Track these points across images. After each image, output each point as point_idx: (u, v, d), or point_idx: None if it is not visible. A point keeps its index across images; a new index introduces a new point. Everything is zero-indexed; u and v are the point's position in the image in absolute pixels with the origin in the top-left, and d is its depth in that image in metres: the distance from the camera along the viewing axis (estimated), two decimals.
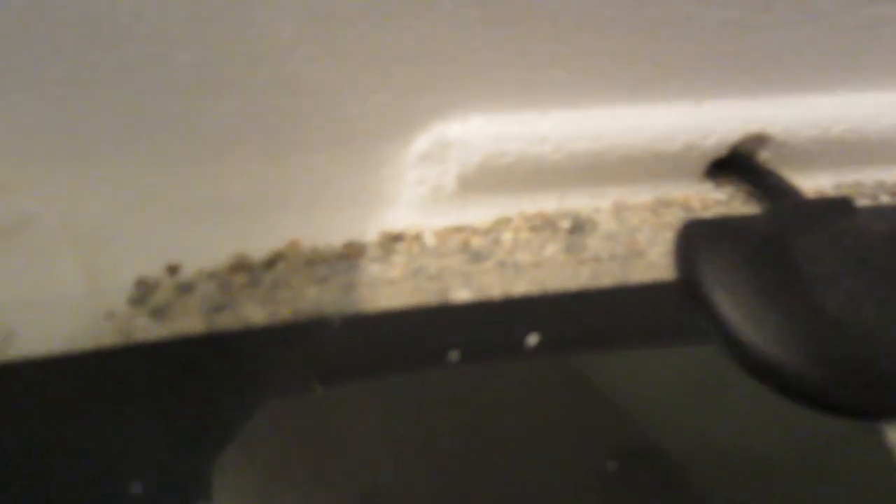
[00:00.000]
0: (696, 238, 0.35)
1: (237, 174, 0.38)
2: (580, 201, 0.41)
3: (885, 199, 0.42)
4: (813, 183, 0.42)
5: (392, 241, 0.39)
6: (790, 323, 0.31)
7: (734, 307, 0.32)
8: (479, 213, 0.40)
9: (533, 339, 0.32)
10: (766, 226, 0.35)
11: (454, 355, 0.31)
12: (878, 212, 0.36)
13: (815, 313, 0.31)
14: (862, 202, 0.41)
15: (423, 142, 0.38)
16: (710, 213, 0.41)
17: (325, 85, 0.35)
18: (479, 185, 0.39)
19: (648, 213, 0.41)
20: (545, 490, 0.28)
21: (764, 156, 0.40)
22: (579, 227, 0.40)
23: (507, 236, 0.39)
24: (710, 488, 0.29)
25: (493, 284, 0.37)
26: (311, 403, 0.29)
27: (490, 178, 0.38)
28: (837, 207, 0.36)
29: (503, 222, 0.40)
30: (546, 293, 0.34)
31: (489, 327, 0.33)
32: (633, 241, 0.39)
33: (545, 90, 0.37)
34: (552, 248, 0.39)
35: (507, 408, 0.30)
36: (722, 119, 0.38)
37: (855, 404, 0.30)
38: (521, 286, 0.37)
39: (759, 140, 0.39)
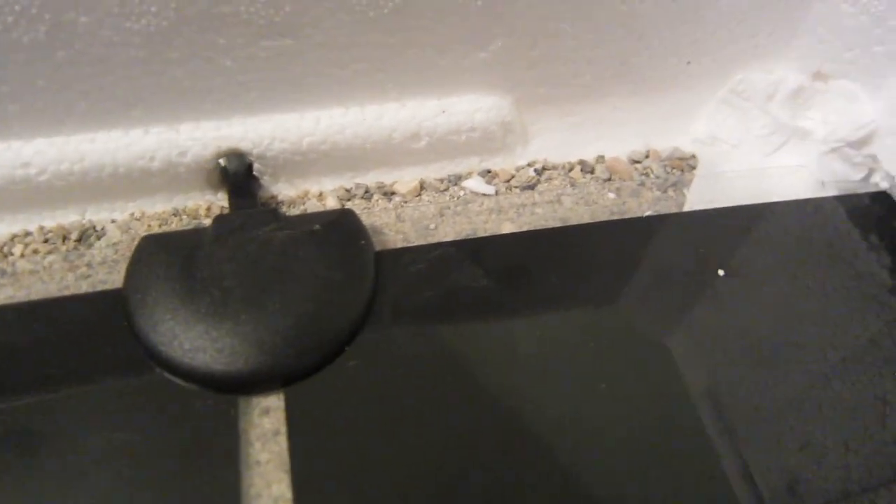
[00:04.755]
0: (141, 253, 0.41)
1: None
2: (100, 214, 0.47)
3: (377, 198, 0.49)
4: (318, 187, 0.49)
5: None
6: (176, 321, 0.38)
7: (144, 314, 0.39)
8: (1, 229, 0.45)
9: None
10: (201, 238, 0.41)
11: None
12: (299, 219, 0.43)
13: (193, 312, 0.38)
14: (358, 202, 0.49)
15: None
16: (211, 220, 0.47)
17: None
18: None
19: (157, 223, 0.47)
20: None
21: (256, 167, 0.47)
22: (87, 237, 0.46)
23: (18, 248, 0.45)
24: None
25: None
26: None
27: None
28: (263, 218, 0.42)
29: (21, 236, 0.46)
30: None
31: None
32: (130, 248, 0.45)
33: (21, 120, 0.42)
34: (53, 258, 0.44)
35: None
36: (195, 139, 0.44)
37: (217, 383, 0.37)
38: (8, 292, 0.42)
39: (238, 155, 0.45)
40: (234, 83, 0.43)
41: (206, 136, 0.45)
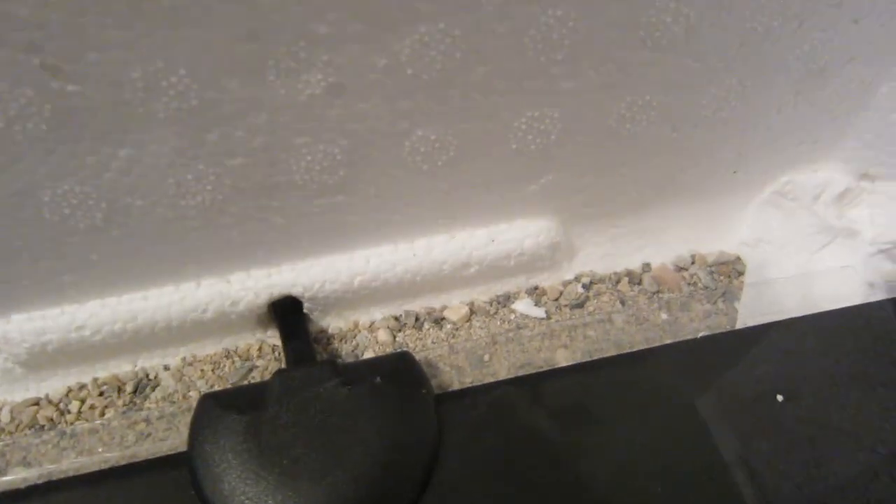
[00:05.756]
0: (202, 412, 0.41)
1: None
2: (152, 361, 0.46)
3: (428, 327, 0.49)
4: (368, 318, 0.49)
5: None
6: (246, 496, 0.38)
7: (210, 482, 0.38)
8: (56, 384, 0.45)
9: None
10: (262, 397, 0.41)
11: None
12: (357, 368, 0.42)
13: (265, 488, 0.38)
14: (409, 333, 0.48)
15: None
16: (263, 361, 0.47)
17: None
18: (47, 364, 0.44)
19: (210, 367, 0.46)
20: None
21: (307, 307, 0.46)
22: (142, 388, 0.45)
23: (74, 405, 0.45)
24: None
25: (48, 457, 0.42)
26: None
27: (49, 358, 0.44)
28: (324, 373, 0.42)
29: (76, 391, 0.45)
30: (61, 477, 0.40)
31: None
32: (185, 398, 0.45)
33: (76, 287, 0.42)
34: (110, 414, 0.44)
35: None
36: (247, 288, 0.44)
37: None
38: (71, 457, 0.42)
39: (289, 297, 0.45)
40: (286, 235, 0.43)
41: (258, 284, 0.44)
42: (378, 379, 0.42)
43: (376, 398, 0.41)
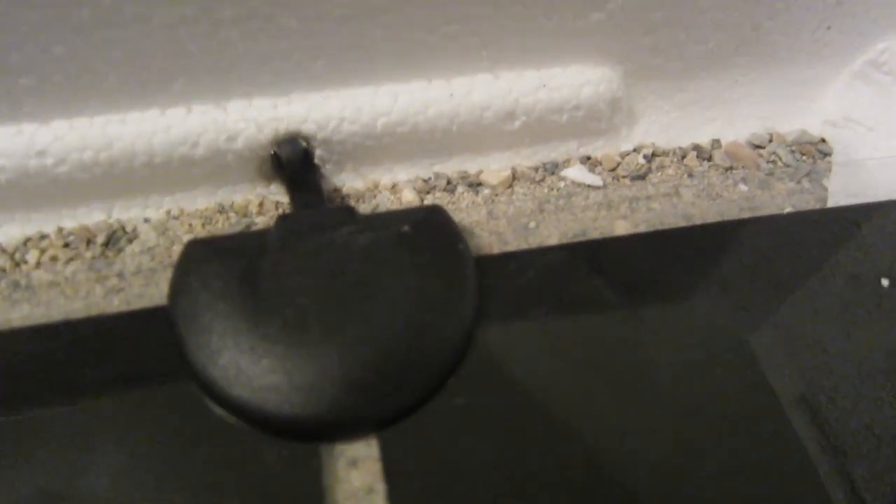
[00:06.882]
0: (188, 261, 0.33)
1: None
2: (130, 213, 0.38)
3: (462, 191, 0.41)
4: (390, 177, 0.41)
5: None
6: (240, 352, 0.30)
7: (196, 335, 0.31)
8: (12, 230, 0.37)
9: None
10: (262, 243, 0.33)
11: None
12: (379, 219, 0.35)
13: (261, 340, 0.30)
14: (440, 196, 0.41)
15: None
16: (265, 218, 0.39)
17: None
18: (4, 203, 0.36)
19: (200, 223, 0.39)
20: None
21: (319, 154, 0.39)
22: (115, 240, 0.37)
23: (33, 255, 0.37)
24: None
25: None
26: None
27: (3, 194, 0.36)
28: (337, 217, 0.34)
29: (35, 240, 0.37)
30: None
31: None
32: (169, 253, 0.37)
33: (36, 97, 0.34)
34: (75, 266, 0.36)
35: None
36: (247, 119, 0.36)
37: (294, 429, 0.30)
38: (24, 310, 0.35)
39: (295, 139, 0.37)
40: (299, 49, 0.35)
41: (261, 116, 0.36)
42: (406, 228, 0.34)
43: (404, 248, 0.34)
